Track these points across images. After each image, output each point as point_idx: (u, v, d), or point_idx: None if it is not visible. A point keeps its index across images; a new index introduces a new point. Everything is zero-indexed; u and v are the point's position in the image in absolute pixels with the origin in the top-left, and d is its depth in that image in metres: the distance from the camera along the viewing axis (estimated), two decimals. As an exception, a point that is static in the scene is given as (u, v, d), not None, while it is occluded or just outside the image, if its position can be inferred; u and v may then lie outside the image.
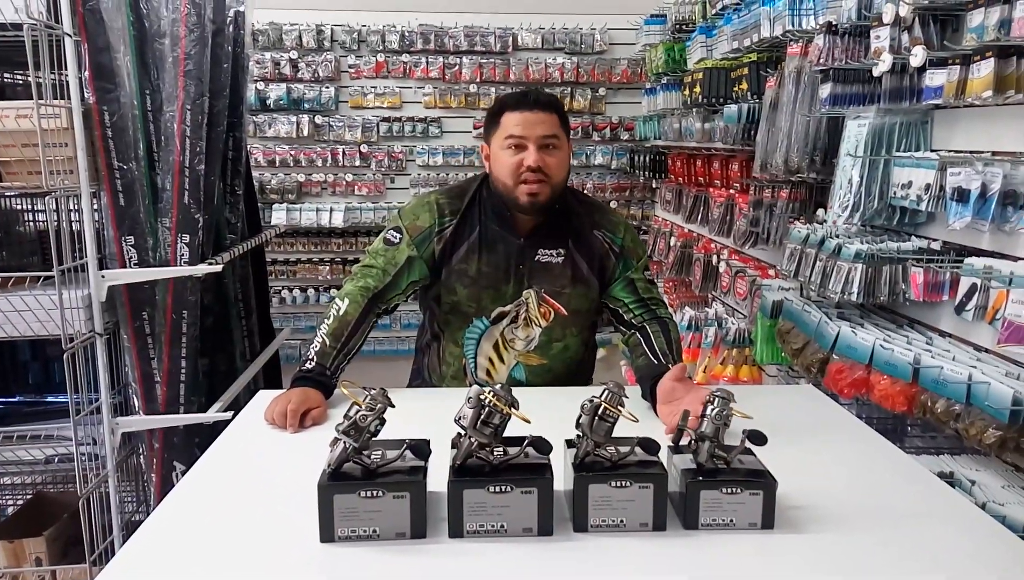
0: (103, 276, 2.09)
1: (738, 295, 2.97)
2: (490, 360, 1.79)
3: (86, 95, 2.12)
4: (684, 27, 3.61)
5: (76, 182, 2.06)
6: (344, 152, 4.61)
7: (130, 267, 2.17)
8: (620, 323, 1.80)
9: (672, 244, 3.81)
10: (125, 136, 2.15)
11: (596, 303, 1.81)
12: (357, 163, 4.63)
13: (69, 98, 2.03)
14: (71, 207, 2.15)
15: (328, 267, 4.68)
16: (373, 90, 4.60)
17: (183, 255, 2.18)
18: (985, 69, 1.49)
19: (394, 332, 4.60)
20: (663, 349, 1.67)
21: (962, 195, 1.56)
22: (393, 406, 1.15)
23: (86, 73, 2.10)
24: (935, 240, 1.79)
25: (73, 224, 2.17)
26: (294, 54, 4.49)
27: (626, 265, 1.79)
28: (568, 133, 1.74)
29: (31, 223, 2.67)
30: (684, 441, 1.20)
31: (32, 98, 1.96)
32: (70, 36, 2.02)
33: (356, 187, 4.66)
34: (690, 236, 3.67)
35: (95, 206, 2.16)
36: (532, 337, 1.77)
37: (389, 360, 4.34)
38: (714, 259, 3.26)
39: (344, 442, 1.11)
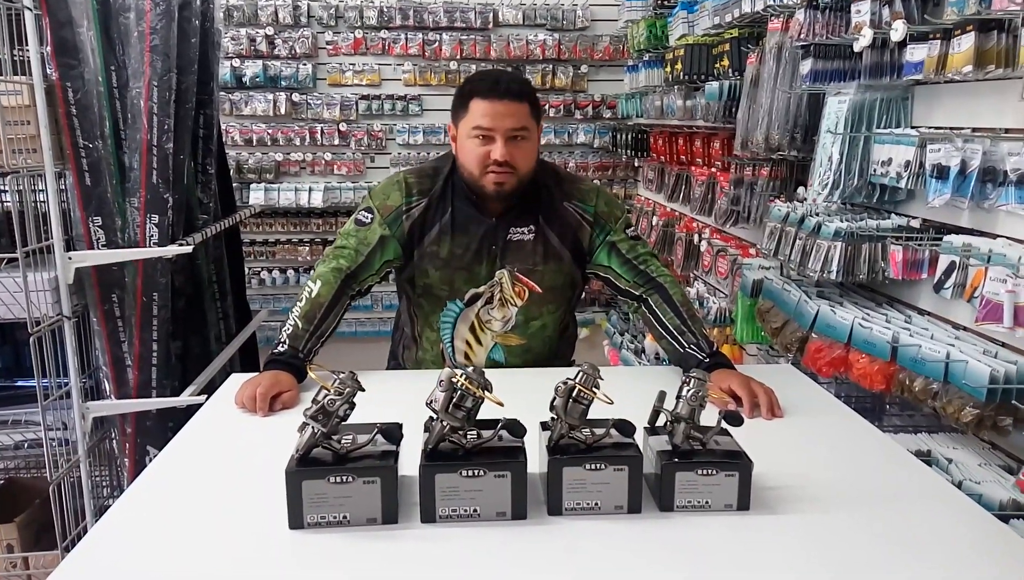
0: (70, 258, 2.04)
1: (719, 274, 2.96)
2: (467, 343, 1.76)
3: (48, 71, 2.05)
4: (666, 3, 3.56)
5: (40, 161, 2.00)
6: (323, 131, 4.54)
7: (98, 249, 2.12)
8: (619, 293, 1.75)
9: (654, 223, 3.79)
10: (90, 113, 2.09)
11: (572, 277, 1.77)
12: (336, 142, 4.56)
13: (30, 74, 1.97)
14: (36, 187, 2.09)
15: (307, 248, 4.62)
16: (352, 67, 4.52)
17: (152, 236, 2.14)
18: (966, 43, 1.47)
19: (375, 313, 4.56)
20: (678, 326, 1.64)
21: (941, 172, 1.55)
22: (363, 390, 1.12)
23: (48, 48, 2.04)
24: (915, 218, 1.78)
25: (39, 205, 2.11)
26: (270, 30, 4.40)
27: (604, 230, 1.75)
28: (539, 118, 1.69)
29: (-2, 204, 2.61)
30: (660, 422, 1.18)
31: (-9, 74, 1.90)
32: (30, 10, 1.95)
33: (335, 166, 4.60)
34: (672, 215, 3.65)
35: (60, 186, 2.10)
36: (509, 317, 1.74)
37: (369, 341, 4.31)
38: (696, 238, 3.24)
39: (312, 427, 1.08)
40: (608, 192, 1.85)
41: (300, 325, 1.61)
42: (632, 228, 1.79)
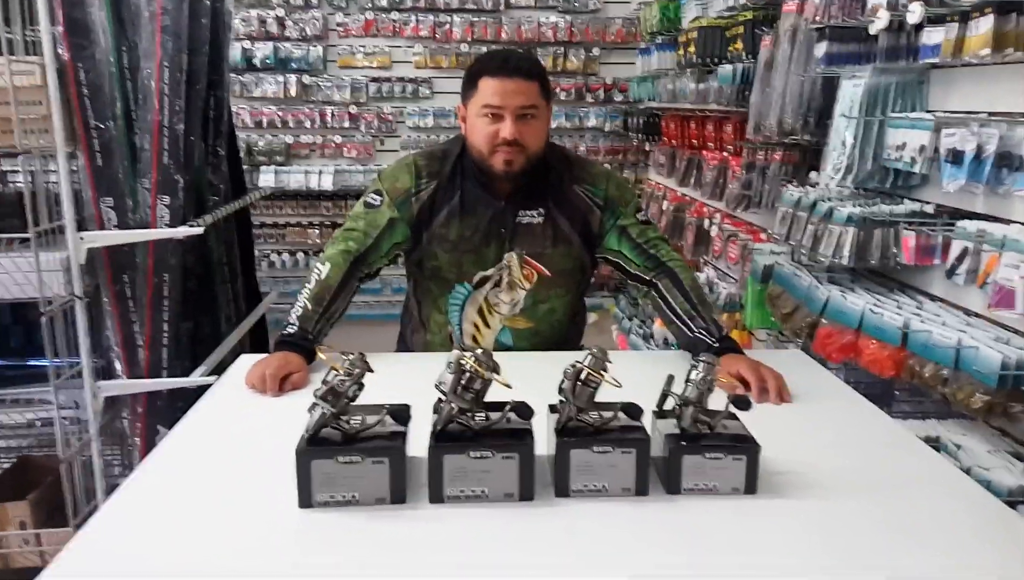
0: (81, 238, 2.05)
1: (730, 259, 2.94)
2: (475, 326, 1.76)
3: (60, 51, 2.05)
4: (679, -16, 3.53)
5: (52, 142, 2.01)
6: (333, 113, 4.54)
7: (109, 229, 2.13)
8: (629, 278, 1.75)
9: (665, 208, 3.78)
10: (101, 94, 2.09)
11: (581, 262, 1.77)
12: (346, 124, 4.57)
13: (42, 55, 1.97)
14: (48, 168, 2.10)
15: (318, 230, 4.64)
16: (362, 49, 4.51)
17: (163, 217, 2.15)
18: (984, 26, 1.45)
19: (384, 296, 4.58)
20: (686, 310, 1.63)
21: (956, 157, 1.53)
22: (372, 371, 1.13)
23: (59, 28, 2.04)
24: (928, 203, 1.76)
25: (51, 185, 2.12)
26: (280, 11, 4.39)
27: (614, 214, 1.73)
28: (549, 98, 1.68)
29: (11, 184, 2.62)
30: (668, 406, 1.18)
31: (2, 54, 1.90)
32: (42, -11, 1.95)
33: (345, 149, 4.60)
34: (683, 200, 3.63)
35: (72, 167, 2.11)
36: (517, 300, 1.74)
37: (378, 325, 4.32)
38: (706, 223, 3.23)
39: (322, 407, 1.08)
40: (619, 176, 1.84)
41: (310, 307, 1.61)
42: (643, 212, 1.78)
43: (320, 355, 1.25)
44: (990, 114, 1.57)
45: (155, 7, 2.09)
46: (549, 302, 1.76)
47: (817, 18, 1.94)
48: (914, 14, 1.61)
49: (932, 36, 1.61)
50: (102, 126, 2.11)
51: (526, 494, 1.09)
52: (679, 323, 1.64)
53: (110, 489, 2.26)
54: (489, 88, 1.60)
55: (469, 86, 1.65)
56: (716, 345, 1.55)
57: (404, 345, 1.94)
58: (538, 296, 1.74)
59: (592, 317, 4.63)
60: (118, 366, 2.25)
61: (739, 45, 2.64)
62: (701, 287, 1.69)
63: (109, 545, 1.00)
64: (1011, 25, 1.42)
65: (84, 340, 2.12)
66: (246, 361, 1.61)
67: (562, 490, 1.10)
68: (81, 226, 2.12)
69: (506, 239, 1.71)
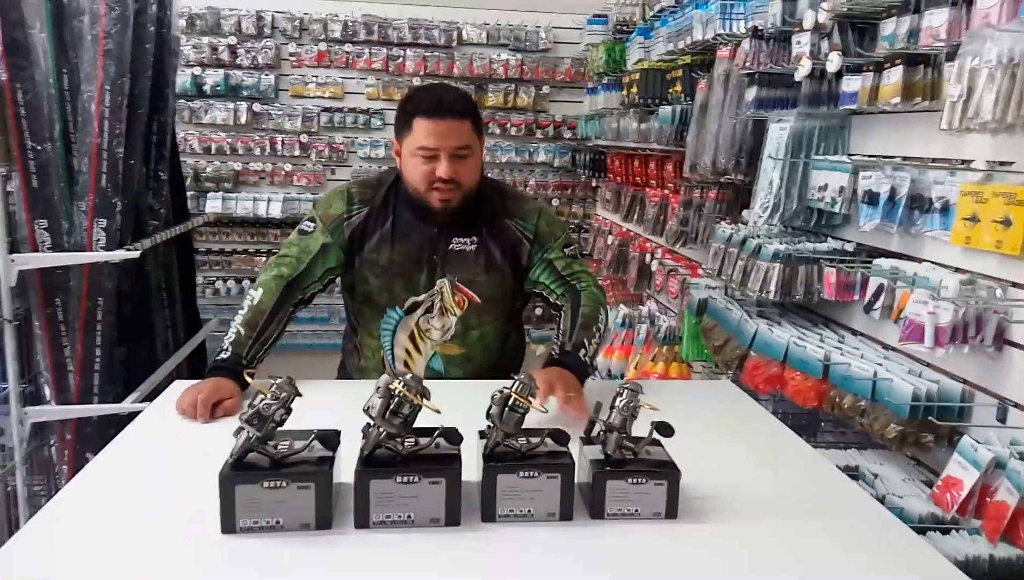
0: (12, 260, 2.01)
1: (670, 293, 3.02)
2: (407, 351, 1.78)
3: (-2, 71, 2.03)
4: (624, 28, 3.65)
5: (-15, 162, 1.98)
6: (283, 141, 4.53)
7: (43, 251, 2.09)
8: (552, 308, 1.78)
9: (610, 242, 3.86)
10: (40, 115, 2.07)
11: (512, 290, 1.80)
12: (297, 153, 4.55)
13: (-21, 74, 1.95)
14: (-20, 188, 2.06)
15: (264, 258, 4.59)
16: (315, 79, 4.53)
17: (99, 240, 2.11)
18: (894, 76, 1.54)
19: (332, 326, 4.54)
20: (565, 328, 1.65)
21: (872, 198, 1.62)
22: (300, 395, 1.13)
23: (-2, 48, 2.01)
24: (849, 241, 1.85)
25: (-16, 205, 2.07)
26: (232, 40, 4.39)
27: (542, 248, 1.77)
28: (481, 132, 1.72)
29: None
30: (594, 432, 1.21)
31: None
32: (-19, 9, 1.93)
33: (295, 177, 4.58)
34: (627, 235, 3.72)
35: (8, 188, 2.07)
36: (448, 326, 1.76)
37: (325, 354, 4.26)
38: (648, 258, 3.30)
39: (247, 431, 1.08)
40: (551, 212, 1.88)
41: (243, 332, 1.61)
42: (572, 247, 1.81)
43: (248, 380, 1.25)
44: (904, 158, 1.67)
45: (98, 31, 2.08)
46: (479, 328, 1.79)
47: (747, 64, 2.04)
48: (832, 63, 1.71)
49: (850, 84, 1.71)
50: (39, 147, 2.08)
51: (452, 519, 1.10)
52: (553, 337, 1.68)
53: (33, 519, 2.19)
54: (423, 130, 1.63)
55: (403, 125, 1.68)
56: (555, 357, 1.60)
57: (344, 370, 1.95)
58: (469, 322, 1.77)
59: (541, 349, 4.67)
60: (47, 391, 2.19)
61: (678, 88, 2.74)
62: (597, 316, 1.68)
63: (26, 568, 0.98)
64: (919, 76, 1.52)
65: (12, 364, 2.06)
66: (179, 387, 1.59)
67: (488, 515, 1.12)
68: (14, 248, 2.07)
69: (437, 265, 1.74)
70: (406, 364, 1.78)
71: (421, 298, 1.75)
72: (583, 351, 1.61)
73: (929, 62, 1.51)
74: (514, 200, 1.83)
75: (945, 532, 1.37)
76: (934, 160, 1.59)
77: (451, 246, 1.74)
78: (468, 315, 1.76)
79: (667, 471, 1.14)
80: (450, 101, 1.66)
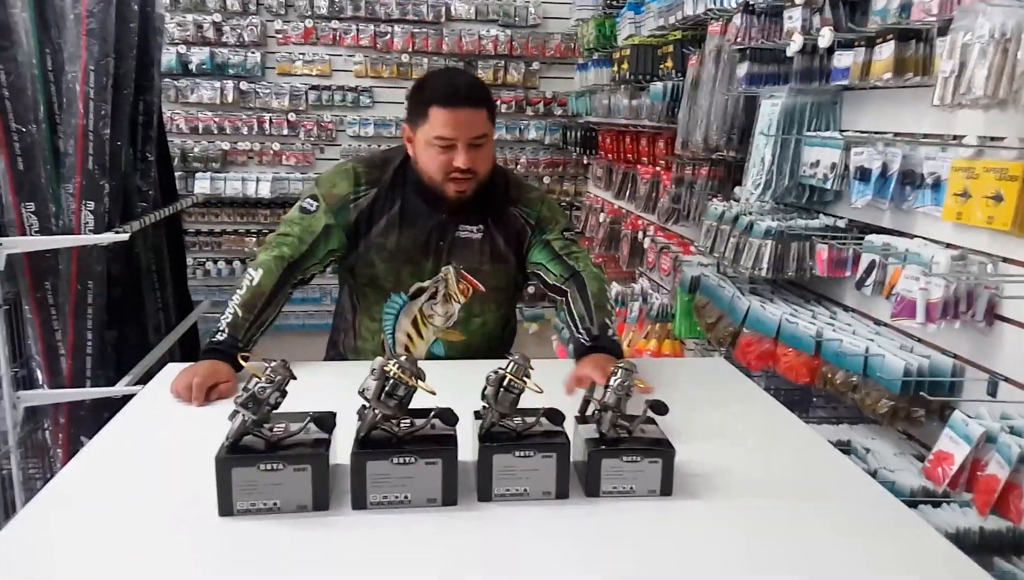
0: (1, 244, 1.99)
1: (662, 271, 3.02)
2: (408, 336, 1.78)
3: (-21, 52, 2.00)
4: (614, 2, 3.61)
5: (-31, 145, 1.95)
6: (271, 120, 4.49)
7: (31, 235, 2.07)
8: (547, 290, 1.77)
9: (602, 220, 3.85)
10: (24, 97, 2.04)
11: (515, 279, 1.80)
12: (285, 132, 4.51)
13: (-40, 54, 1.91)
14: (-35, 171, 2.03)
15: (255, 238, 4.57)
16: (301, 57, 4.47)
17: (87, 223, 2.09)
18: (886, 51, 1.54)
19: (324, 306, 4.53)
20: (580, 313, 1.64)
21: (864, 174, 1.62)
22: (295, 377, 1.13)
23: (-21, 29, 1.98)
24: (841, 218, 1.85)
25: (-32, 189, 2.05)
26: (218, 17, 4.33)
27: (542, 231, 1.77)
28: (495, 119, 1.70)
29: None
30: (589, 411, 1.22)
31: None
32: (-40, -12, 1.89)
33: (284, 157, 4.55)
34: (619, 212, 3.71)
35: (-8, 171, 2.05)
36: (451, 313, 1.76)
37: (316, 334, 4.24)
38: (640, 235, 3.30)
39: (243, 414, 1.08)
40: (554, 201, 1.87)
41: (240, 314, 1.59)
42: (572, 232, 1.81)
43: (243, 364, 1.24)
44: (895, 134, 1.67)
45: (80, 10, 2.04)
46: (482, 316, 1.79)
47: (739, 40, 2.02)
48: (824, 38, 1.70)
49: (842, 59, 1.70)
50: (24, 129, 2.05)
51: (449, 499, 1.11)
52: (571, 324, 1.65)
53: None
54: (440, 119, 1.60)
55: (417, 113, 1.64)
56: (588, 344, 1.58)
57: (335, 350, 1.93)
58: (472, 310, 1.77)
59: (533, 327, 4.68)
60: (39, 375, 2.18)
61: (669, 63, 2.72)
62: (606, 293, 1.70)
63: (23, 554, 0.98)
64: (911, 51, 1.51)
65: (3, 349, 2.05)
66: (173, 369, 1.58)
67: (484, 495, 1.12)
68: (1, 232, 2.05)
69: (444, 252, 1.73)
70: (407, 349, 1.78)
71: (426, 284, 1.74)
72: (610, 331, 1.60)
73: (921, 37, 1.51)
74: (519, 188, 1.82)
75: (936, 505, 1.39)
76: (925, 136, 1.59)
77: (458, 233, 1.72)
78: (471, 303, 1.76)
79: (662, 449, 1.15)
80: (467, 89, 1.63)
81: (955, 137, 1.51)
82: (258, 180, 4.50)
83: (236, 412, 1.09)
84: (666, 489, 1.15)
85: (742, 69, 2.05)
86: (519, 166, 4.68)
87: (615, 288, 3.35)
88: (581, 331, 1.62)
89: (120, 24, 2.17)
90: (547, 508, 1.11)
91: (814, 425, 1.68)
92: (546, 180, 4.72)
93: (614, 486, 1.14)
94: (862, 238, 1.71)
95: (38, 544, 1.01)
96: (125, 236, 2.10)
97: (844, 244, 1.73)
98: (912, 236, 1.60)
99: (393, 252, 1.71)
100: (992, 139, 1.40)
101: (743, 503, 1.15)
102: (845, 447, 1.61)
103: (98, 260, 2.16)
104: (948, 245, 1.51)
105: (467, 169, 1.62)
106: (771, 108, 1.93)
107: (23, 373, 2.22)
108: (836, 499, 1.18)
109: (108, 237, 2.08)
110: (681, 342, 2.80)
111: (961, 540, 1.31)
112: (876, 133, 1.72)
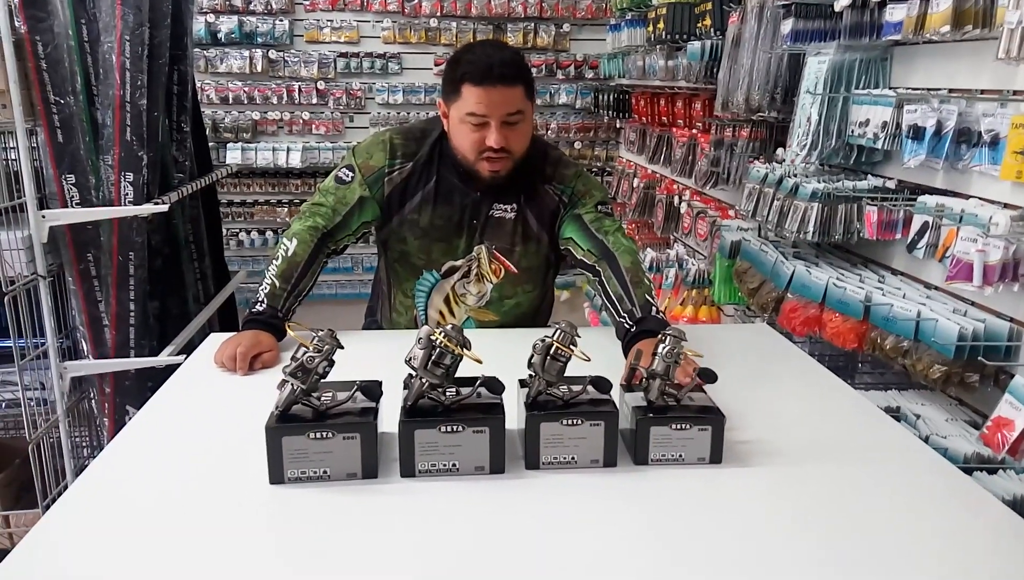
0: (43, 216, 2.01)
1: (699, 236, 2.98)
2: (441, 314, 1.76)
3: (16, 24, 2.00)
4: (649, -40, 3.52)
5: (10, 117, 1.96)
6: (300, 89, 4.47)
7: (72, 207, 2.09)
8: (576, 265, 1.72)
9: (635, 185, 3.79)
10: (61, 68, 2.04)
11: (548, 258, 1.76)
12: (314, 101, 4.49)
13: (-2, 27, 1.92)
14: (6, 144, 2.05)
15: (286, 209, 4.58)
16: (329, 24, 4.43)
17: (127, 194, 2.11)
18: (944, 3, 1.47)
19: (355, 275, 4.55)
20: (618, 293, 1.57)
21: (917, 133, 1.56)
22: (342, 347, 1.13)
23: (16, 1, 1.98)
24: (890, 178, 1.80)
25: (11, 162, 2.07)
26: (245, -16, 4.29)
27: (574, 206, 1.71)
28: (533, 96, 1.64)
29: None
30: (636, 380, 1.20)
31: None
32: (-5, -40, 1.89)
33: (313, 126, 4.53)
34: (653, 177, 3.65)
35: (32, 143, 2.06)
36: (484, 293, 1.74)
37: (349, 303, 4.30)
38: (676, 200, 3.25)
39: (292, 384, 1.09)
40: (590, 176, 1.79)
41: (278, 284, 1.60)
42: (606, 206, 1.73)
43: (291, 332, 1.24)
44: (950, 91, 1.60)
45: (114, -22, 2.04)
46: (515, 298, 1.76)
47: (784, -5, 1.96)
48: (877, -9, 1.64)
49: (895, 13, 1.63)
50: (62, 101, 2.06)
51: (497, 467, 1.11)
52: (610, 306, 1.58)
53: (79, 470, 2.24)
54: (473, 97, 1.55)
55: (451, 89, 1.60)
56: (633, 329, 1.49)
57: (372, 317, 1.93)
58: (504, 291, 1.74)
59: (565, 294, 4.66)
60: (84, 346, 2.22)
61: (707, 22, 2.64)
62: (641, 268, 1.61)
63: (77, 526, 1.00)
64: (970, 3, 1.44)
65: (48, 320, 2.09)
66: (215, 340, 1.60)
67: (532, 463, 1.12)
68: (43, 204, 2.08)
69: (477, 230, 1.70)
70: (439, 325, 1.76)
71: (459, 263, 1.72)
72: (652, 308, 1.52)
73: (982, -14, 1.44)
74: (555, 165, 1.74)
75: (992, 472, 1.36)
76: (983, 91, 1.52)
77: (492, 212, 1.69)
78: (504, 284, 1.73)
79: (711, 416, 1.13)
80: (501, 66, 1.56)
81: (1015, 92, 1.44)
82: (288, 150, 4.49)
83: (284, 381, 1.09)
84: (716, 457, 1.13)
85: (787, 25, 1.98)
86: (549, 131, 4.63)
87: (649, 254, 3.31)
88: (623, 314, 1.54)
89: (153, -7, 2.16)
90: (595, 476, 1.11)
91: (861, 391, 1.64)
92: (577, 145, 4.66)
93: (663, 454, 1.13)
94: (913, 199, 1.65)
95: (91, 517, 1.02)
96: (165, 207, 2.11)
97: (896, 205, 1.68)
98: (967, 196, 1.55)
99: (426, 229, 1.69)
100: (1057, 93, 1.34)
101: (795, 470, 1.13)
102: (895, 413, 1.58)
103: (138, 231, 2.18)
104: (1006, 205, 1.45)
105: (500, 148, 1.57)
106: (818, 65, 1.86)
107: (68, 343, 2.26)
108: (890, 465, 1.16)
109: (148, 208, 2.10)
110: (719, 308, 2.77)
111: (1019, 507, 1.28)
112: (929, 90, 1.66)
